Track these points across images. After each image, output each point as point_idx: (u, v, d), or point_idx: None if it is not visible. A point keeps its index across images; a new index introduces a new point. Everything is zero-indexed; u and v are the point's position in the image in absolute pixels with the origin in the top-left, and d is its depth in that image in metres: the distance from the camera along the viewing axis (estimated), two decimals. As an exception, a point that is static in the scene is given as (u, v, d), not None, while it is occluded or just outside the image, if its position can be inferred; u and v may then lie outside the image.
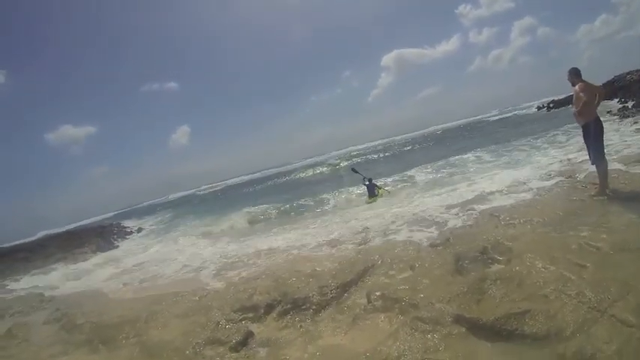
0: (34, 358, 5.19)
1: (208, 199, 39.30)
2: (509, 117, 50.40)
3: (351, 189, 15.87)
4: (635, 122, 13.04)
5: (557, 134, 16.96)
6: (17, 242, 27.32)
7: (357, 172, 14.40)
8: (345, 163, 33.92)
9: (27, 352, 5.44)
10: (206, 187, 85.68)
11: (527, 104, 75.81)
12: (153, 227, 24.55)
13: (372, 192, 13.24)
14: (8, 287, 12.16)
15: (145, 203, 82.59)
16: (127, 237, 21.15)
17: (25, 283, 12.23)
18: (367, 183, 13.55)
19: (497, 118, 57.17)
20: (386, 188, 13.72)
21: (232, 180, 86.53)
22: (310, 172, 36.42)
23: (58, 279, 11.61)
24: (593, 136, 6.03)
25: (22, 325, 6.58)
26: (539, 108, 44.90)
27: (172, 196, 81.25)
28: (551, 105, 42.93)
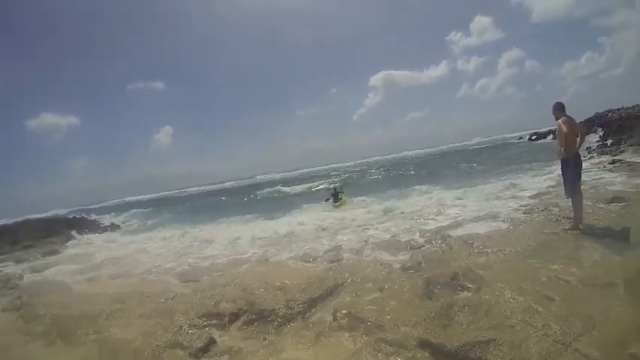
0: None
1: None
2: (493, 146, 51.26)
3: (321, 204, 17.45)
4: (613, 161, 13.36)
5: (535, 166, 17.38)
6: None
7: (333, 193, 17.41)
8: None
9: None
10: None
11: (511, 135, 77.53)
12: (126, 224, 24.15)
13: (336, 199, 16.51)
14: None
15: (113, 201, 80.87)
16: (100, 231, 20.65)
17: (-13, 270, 11.81)
18: (333, 192, 17.21)
19: (482, 146, 58.07)
20: (346, 197, 16.78)
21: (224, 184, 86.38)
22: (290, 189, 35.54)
23: (23, 267, 11.24)
24: (571, 171, 6.15)
25: (-21, 311, 6.33)
26: (530, 139, 46.01)
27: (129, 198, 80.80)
28: (533, 137, 44.47)
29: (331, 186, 24.22)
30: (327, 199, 17.18)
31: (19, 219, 28.14)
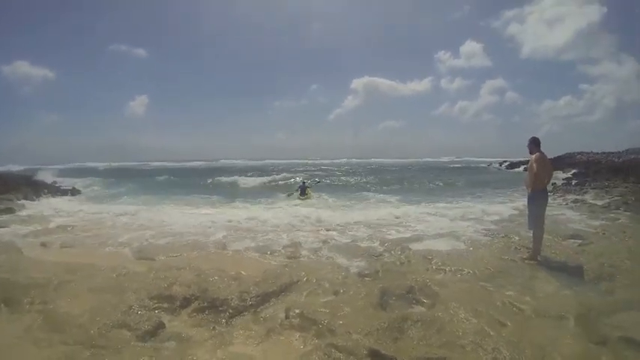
0: None
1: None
2: (464, 168, 52.22)
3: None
4: (576, 200, 13.80)
5: (502, 193, 17.87)
6: None
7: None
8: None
9: None
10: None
11: (481, 159, 79.23)
12: (87, 190, 23.40)
13: (303, 192, 17.47)
14: None
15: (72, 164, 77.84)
16: (59, 194, 19.80)
17: None
18: (300, 185, 18.35)
19: (453, 166, 59.15)
20: (312, 193, 17.79)
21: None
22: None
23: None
24: (536, 205, 6.32)
25: None
26: (500, 164, 47.39)
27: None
28: (504, 163, 46.07)
29: (299, 179, 24.51)
30: (296, 191, 18.41)
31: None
